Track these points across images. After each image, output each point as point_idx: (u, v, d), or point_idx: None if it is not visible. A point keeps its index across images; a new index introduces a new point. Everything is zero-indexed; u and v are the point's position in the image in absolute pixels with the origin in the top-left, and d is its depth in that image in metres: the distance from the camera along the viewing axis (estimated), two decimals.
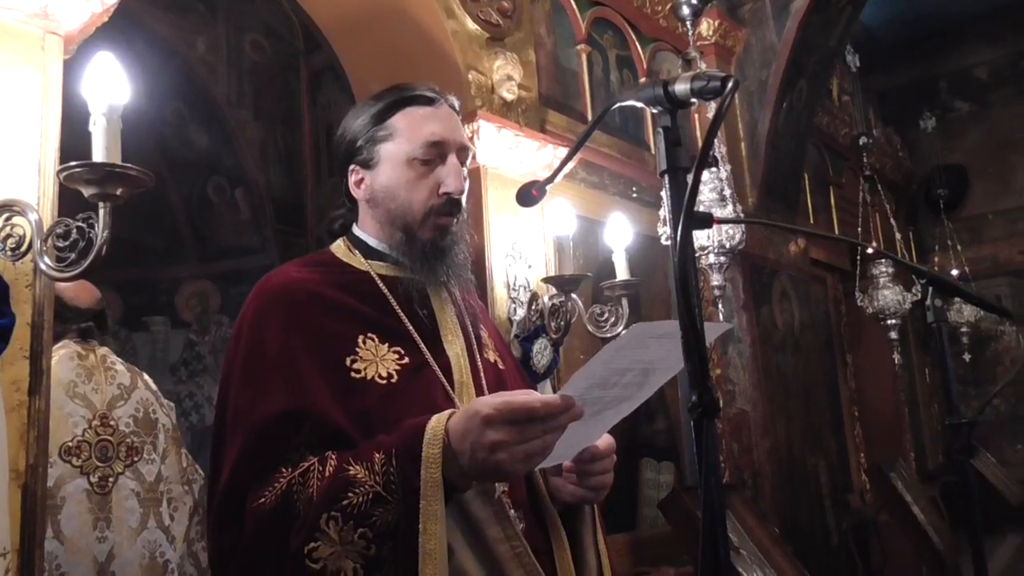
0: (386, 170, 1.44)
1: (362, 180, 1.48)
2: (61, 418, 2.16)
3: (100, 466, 2.22)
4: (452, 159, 1.44)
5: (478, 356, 1.48)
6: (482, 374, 1.45)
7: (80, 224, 1.36)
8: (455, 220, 1.45)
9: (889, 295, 5.24)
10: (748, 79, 4.51)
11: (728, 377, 4.17)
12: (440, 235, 1.44)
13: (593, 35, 3.77)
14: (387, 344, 1.37)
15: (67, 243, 1.38)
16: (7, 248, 1.44)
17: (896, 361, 5.67)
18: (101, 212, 1.33)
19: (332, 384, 1.29)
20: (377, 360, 1.34)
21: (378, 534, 1.14)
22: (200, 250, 5.74)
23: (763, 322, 4.47)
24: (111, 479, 2.24)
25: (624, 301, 2.61)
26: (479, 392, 1.40)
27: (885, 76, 7.46)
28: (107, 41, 1.71)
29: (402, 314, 1.41)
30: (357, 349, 1.34)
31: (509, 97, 3.05)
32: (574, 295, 2.73)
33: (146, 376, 2.49)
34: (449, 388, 1.38)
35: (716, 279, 3.25)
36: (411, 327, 1.40)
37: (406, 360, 1.36)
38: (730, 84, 0.89)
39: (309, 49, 5.58)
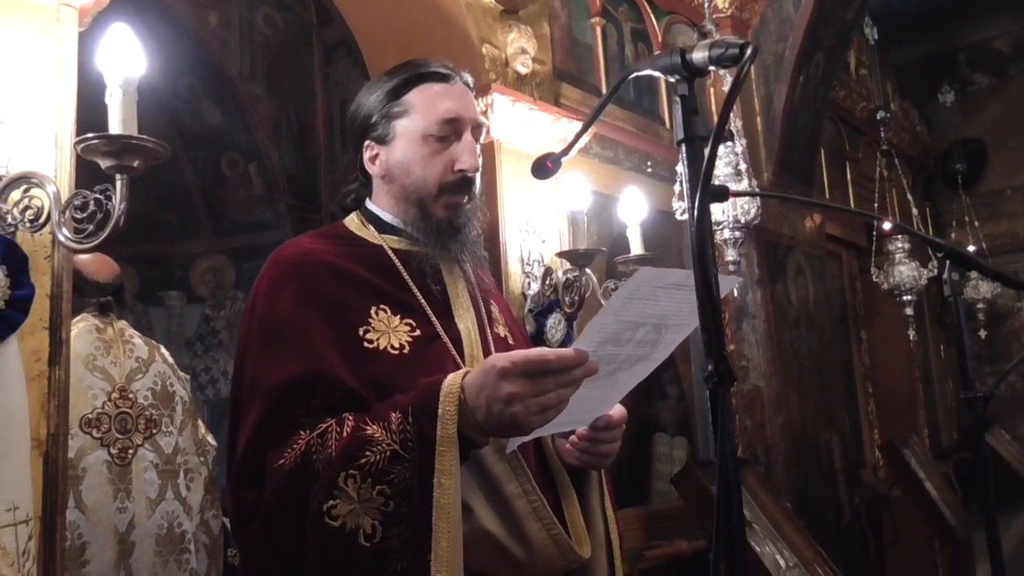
0: (401, 146, 1.45)
1: (377, 156, 1.49)
2: (81, 391, 2.18)
3: (120, 438, 2.25)
4: (467, 136, 1.45)
5: (488, 330, 1.49)
6: (492, 348, 1.47)
7: (98, 196, 1.37)
8: (468, 198, 1.46)
9: (905, 271, 5.20)
10: (764, 53, 4.46)
11: (742, 353, 4.17)
12: (454, 213, 1.45)
13: (608, 8, 3.74)
14: (399, 316, 1.39)
15: (85, 215, 1.39)
16: (26, 220, 1.46)
17: (911, 337, 5.64)
18: (118, 184, 1.33)
19: (345, 353, 1.31)
20: (389, 331, 1.36)
21: (396, 491, 1.17)
22: (214, 225, 5.76)
23: (778, 298, 4.46)
24: (131, 451, 2.27)
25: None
26: None
27: (903, 49, 7.36)
28: (120, 14, 1.71)
29: (414, 287, 1.43)
30: (370, 320, 1.36)
31: (523, 71, 3.03)
32: (588, 270, 2.73)
33: (163, 349, 2.52)
34: (460, 360, 1.40)
35: (731, 254, 3.23)
36: (423, 300, 1.42)
37: (418, 332, 1.38)
38: (748, 51, 0.88)
39: (322, 23, 5.55)
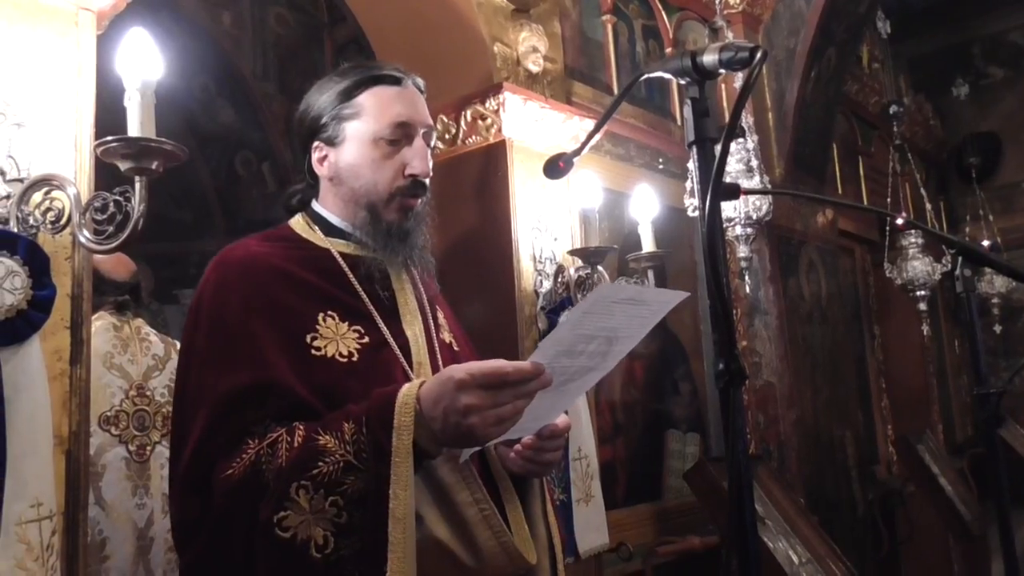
0: (351, 148, 1.44)
1: (326, 157, 1.47)
2: (99, 388, 2.22)
3: (138, 435, 2.28)
4: (418, 141, 1.44)
5: (435, 336, 1.49)
6: (439, 354, 1.47)
7: (117, 198, 1.39)
8: (419, 201, 1.45)
9: (918, 266, 5.17)
10: (776, 48, 4.44)
11: (754, 349, 4.16)
12: (404, 216, 1.44)
13: (618, 5, 3.73)
14: (347, 323, 1.37)
15: (105, 216, 1.41)
16: (47, 221, 1.48)
17: (925, 333, 5.61)
18: (137, 186, 1.35)
19: (293, 360, 1.30)
20: (337, 338, 1.35)
21: (349, 501, 1.16)
22: (228, 224, 5.80)
23: (790, 294, 4.45)
24: (148, 448, 2.30)
25: (650, 273, 2.61)
26: (436, 371, 1.41)
27: (917, 42, 7.30)
28: (136, 16, 1.73)
29: (362, 292, 1.42)
30: (317, 326, 1.35)
31: (534, 69, 3.04)
32: (600, 267, 2.74)
33: (179, 346, 2.54)
34: (408, 367, 1.40)
35: (743, 251, 3.23)
36: (371, 306, 1.41)
37: (366, 339, 1.37)
38: (759, 55, 0.89)
39: (333, 22, 5.58)
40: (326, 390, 1.29)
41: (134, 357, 2.36)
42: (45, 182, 1.49)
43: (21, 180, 1.50)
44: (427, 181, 1.46)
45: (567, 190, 2.98)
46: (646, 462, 3.45)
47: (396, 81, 1.46)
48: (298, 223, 1.51)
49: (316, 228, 1.48)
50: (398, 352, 1.40)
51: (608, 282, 2.80)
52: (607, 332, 1.19)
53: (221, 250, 1.44)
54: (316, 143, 1.48)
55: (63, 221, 1.48)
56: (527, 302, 2.76)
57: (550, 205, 2.94)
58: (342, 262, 1.44)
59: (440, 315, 1.57)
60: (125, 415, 2.27)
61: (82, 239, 1.44)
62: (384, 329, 1.40)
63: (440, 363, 1.45)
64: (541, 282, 2.83)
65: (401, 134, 1.43)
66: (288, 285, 1.38)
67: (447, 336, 1.55)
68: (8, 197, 1.48)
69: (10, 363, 1.38)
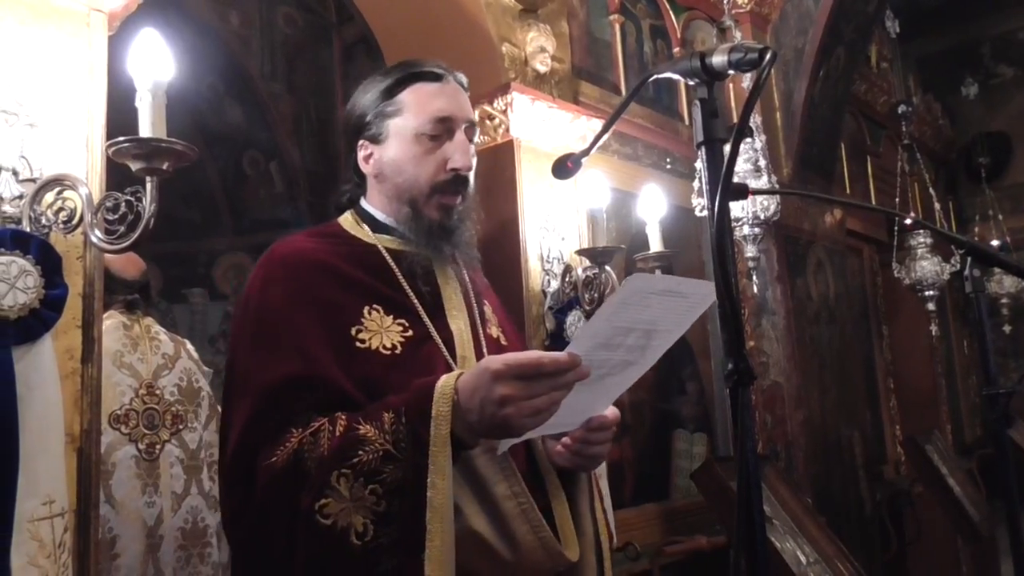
0: (394, 145, 1.46)
1: (371, 155, 1.49)
2: (109, 387, 2.22)
3: (147, 434, 2.29)
4: (459, 135, 1.46)
5: (481, 331, 1.50)
6: (484, 348, 1.47)
7: (129, 198, 1.40)
8: (460, 198, 1.47)
9: (927, 266, 5.16)
10: (784, 47, 4.44)
11: (762, 349, 4.16)
12: (446, 215, 1.46)
13: (626, 5, 3.74)
14: (392, 316, 1.39)
15: (116, 216, 1.41)
16: (59, 221, 1.49)
17: (933, 333, 5.60)
18: (148, 186, 1.36)
19: (337, 353, 1.32)
20: (381, 331, 1.37)
21: (388, 490, 1.17)
22: (236, 223, 5.82)
23: (798, 294, 4.44)
24: (158, 446, 2.31)
25: (658, 273, 2.61)
26: None
27: (926, 41, 7.28)
28: (146, 17, 1.74)
29: (407, 287, 1.44)
30: (362, 320, 1.37)
31: (542, 69, 3.04)
32: (608, 267, 2.74)
33: (189, 344, 2.56)
34: (452, 361, 1.41)
35: (750, 251, 3.23)
36: (416, 300, 1.43)
37: (410, 332, 1.39)
38: (768, 57, 0.89)
39: (341, 21, 5.60)
40: (369, 382, 1.31)
41: (144, 356, 2.37)
42: (57, 182, 1.50)
43: (34, 180, 1.51)
44: (470, 175, 1.48)
45: (575, 190, 2.98)
46: (653, 462, 3.45)
47: (437, 77, 1.48)
48: (347, 220, 1.54)
49: (364, 225, 1.51)
50: (441, 346, 1.41)
51: (615, 280, 2.81)
52: (645, 325, 1.18)
53: (272, 245, 1.48)
54: (361, 141, 1.51)
55: (75, 221, 1.49)
56: (535, 302, 2.76)
57: (558, 205, 2.94)
58: (388, 257, 1.46)
59: (488, 309, 1.58)
60: (135, 414, 2.28)
61: (94, 239, 1.45)
62: (428, 323, 1.42)
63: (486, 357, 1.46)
64: (549, 282, 2.83)
65: (442, 129, 1.45)
66: (334, 280, 1.40)
67: (495, 331, 1.56)
68: (21, 197, 1.49)
69: (23, 361, 1.40)
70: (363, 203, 1.54)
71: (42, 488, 1.40)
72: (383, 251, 1.47)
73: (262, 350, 1.34)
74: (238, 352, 1.38)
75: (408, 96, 1.46)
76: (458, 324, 1.46)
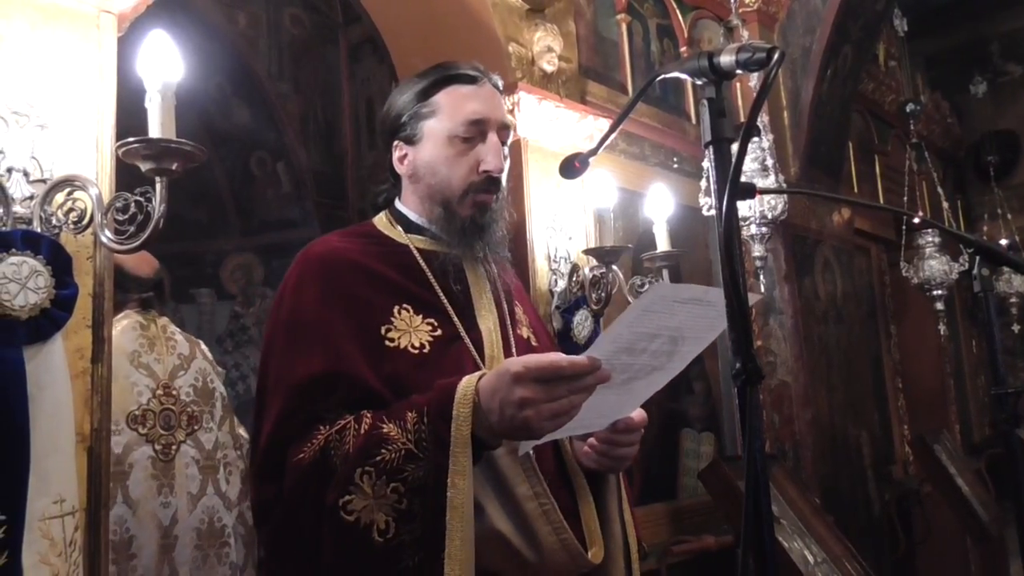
0: (428, 146, 1.48)
1: (405, 156, 1.51)
2: (127, 387, 2.23)
3: (163, 434, 2.29)
4: (492, 137, 1.47)
5: (511, 332, 1.51)
6: (514, 349, 1.48)
7: (138, 198, 1.40)
8: (494, 198, 1.48)
9: (935, 265, 5.14)
10: (791, 46, 4.43)
11: (769, 348, 4.15)
12: (479, 213, 1.47)
13: (633, 4, 3.73)
14: (421, 316, 1.41)
15: (126, 216, 1.42)
16: (69, 222, 1.50)
17: (942, 332, 5.56)
18: (158, 186, 1.37)
19: (366, 351, 1.34)
20: (411, 330, 1.39)
21: (409, 488, 1.19)
22: (243, 223, 5.84)
23: (805, 293, 4.43)
24: (173, 447, 2.31)
25: (665, 272, 2.61)
26: None
27: (934, 39, 7.24)
28: (154, 18, 1.75)
29: (438, 287, 1.45)
30: (392, 319, 1.39)
31: (549, 69, 3.04)
32: (615, 267, 2.74)
33: (203, 345, 2.56)
34: (480, 361, 1.42)
35: (758, 250, 3.22)
36: (446, 300, 1.45)
37: (439, 332, 1.41)
38: (776, 56, 0.89)
39: (348, 22, 5.61)
40: (396, 380, 1.33)
41: (160, 356, 2.37)
42: (67, 183, 1.51)
43: (44, 181, 1.52)
44: (502, 177, 1.49)
45: (582, 189, 2.98)
46: (661, 461, 3.45)
47: (472, 80, 1.50)
48: (381, 220, 1.56)
49: (397, 225, 1.53)
50: (470, 346, 1.43)
51: (621, 279, 2.81)
52: (670, 332, 1.19)
53: (306, 245, 1.50)
54: (396, 142, 1.53)
55: (85, 221, 1.49)
56: (542, 301, 2.76)
57: (565, 204, 2.95)
58: (419, 258, 1.48)
59: (519, 310, 1.59)
60: (152, 414, 2.28)
61: (104, 239, 1.46)
62: (457, 323, 1.44)
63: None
64: (556, 281, 2.84)
65: (475, 131, 1.46)
66: (365, 279, 1.42)
67: (525, 331, 1.57)
68: (31, 197, 1.50)
69: (34, 361, 1.40)
70: (397, 204, 1.57)
71: (53, 487, 1.41)
72: (414, 251, 1.48)
73: (293, 348, 1.36)
74: (272, 350, 1.40)
75: (443, 98, 1.48)
76: (487, 324, 1.47)
